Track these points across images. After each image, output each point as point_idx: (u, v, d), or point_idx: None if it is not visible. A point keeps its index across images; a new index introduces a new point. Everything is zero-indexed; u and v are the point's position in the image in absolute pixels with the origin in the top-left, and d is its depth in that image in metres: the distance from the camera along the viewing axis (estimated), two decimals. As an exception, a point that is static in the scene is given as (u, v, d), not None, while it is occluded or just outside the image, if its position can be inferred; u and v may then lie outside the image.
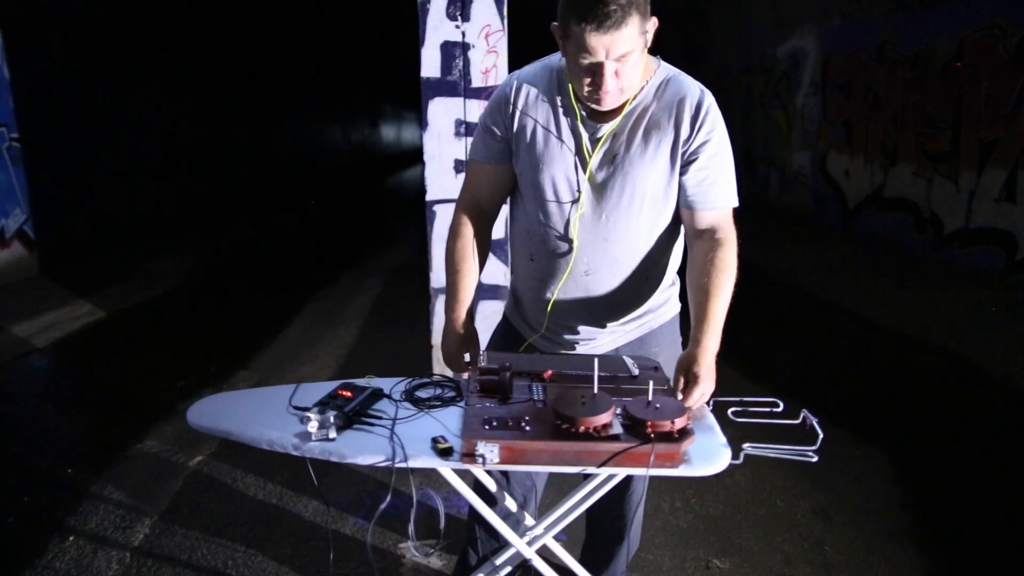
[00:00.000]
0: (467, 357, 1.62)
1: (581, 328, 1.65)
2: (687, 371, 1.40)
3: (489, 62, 2.89)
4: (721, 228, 1.53)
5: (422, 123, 2.96)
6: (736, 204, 1.56)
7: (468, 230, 1.64)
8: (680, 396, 1.39)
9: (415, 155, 20.30)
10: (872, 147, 7.26)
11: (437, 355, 3.14)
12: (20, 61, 6.11)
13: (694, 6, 10.31)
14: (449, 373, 1.66)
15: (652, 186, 1.51)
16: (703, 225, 1.53)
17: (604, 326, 1.65)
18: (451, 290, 1.63)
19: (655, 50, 1.49)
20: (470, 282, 1.63)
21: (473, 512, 1.88)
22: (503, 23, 2.86)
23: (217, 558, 2.29)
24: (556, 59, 1.55)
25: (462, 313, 1.62)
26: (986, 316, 4.82)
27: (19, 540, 2.40)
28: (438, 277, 3.04)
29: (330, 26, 12.95)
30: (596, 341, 1.67)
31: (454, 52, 2.89)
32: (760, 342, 4.70)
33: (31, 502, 2.64)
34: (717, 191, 1.52)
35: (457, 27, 2.87)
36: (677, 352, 1.71)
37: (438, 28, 2.87)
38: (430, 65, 2.90)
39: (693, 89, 1.50)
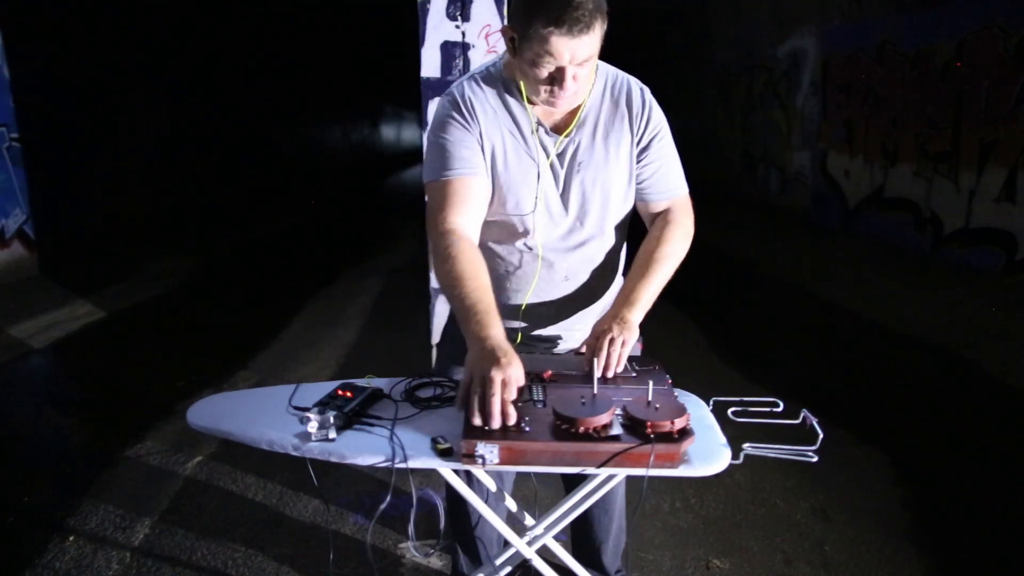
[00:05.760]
0: (509, 393, 1.23)
1: (558, 330, 1.66)
2: (601, 332, 1.43)
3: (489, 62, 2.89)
4: (672, 210, 1.60)
5: (422, 123, 2.96)
6: (686, 190, 1.62)
7: (465, 246, 1.42)
8: (597, 364, 1.39)
9: (415, 155, 20.30)
10: (872, 147, 7.26)
11: (437, 355, 3.13)
12: (20, 61, 6.11)
13: (694, 6, 10.31)
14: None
15: (617, 186, 1.55)
16: (657, 212, 1.61)
17: (577, 324, 1.67)
18: (473, 307, 1.33)
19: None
20: (491, 295, 1.37)
21: (455, 514, 1.87)
22: (503, 23, 2.86)
23: (217, 558, 2.29)
24: (494, 68, 1.52)
25: (497, 331, 1.31)
26: (986, 316, 4.82)
27: (19, 540, 2.40)
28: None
29: (330, 26, 12.95)
30: (567, 341, 1.68)
31: (454, 52, 2.89)
32: (760, 342, 4.70)
33: (31, 502, 2.64)
34: (668, 181, 1.59)
35: (457, 27, 2.86)
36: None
37: (438, 28, 2.87)
38: (430, 65, 2.90)
39: (633, 87, 1.55)
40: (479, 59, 2.89)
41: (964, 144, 5.96)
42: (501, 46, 2.89)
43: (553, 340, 1.68)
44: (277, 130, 12.49)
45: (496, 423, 1.22)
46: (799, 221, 8.51)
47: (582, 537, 1.96)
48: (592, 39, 1.32)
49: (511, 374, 1.24)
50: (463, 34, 2.87)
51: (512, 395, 1.24)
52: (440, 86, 2.91)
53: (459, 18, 2.85)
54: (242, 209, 10.29)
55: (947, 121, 6.14)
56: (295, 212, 11.16)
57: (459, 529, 1.88)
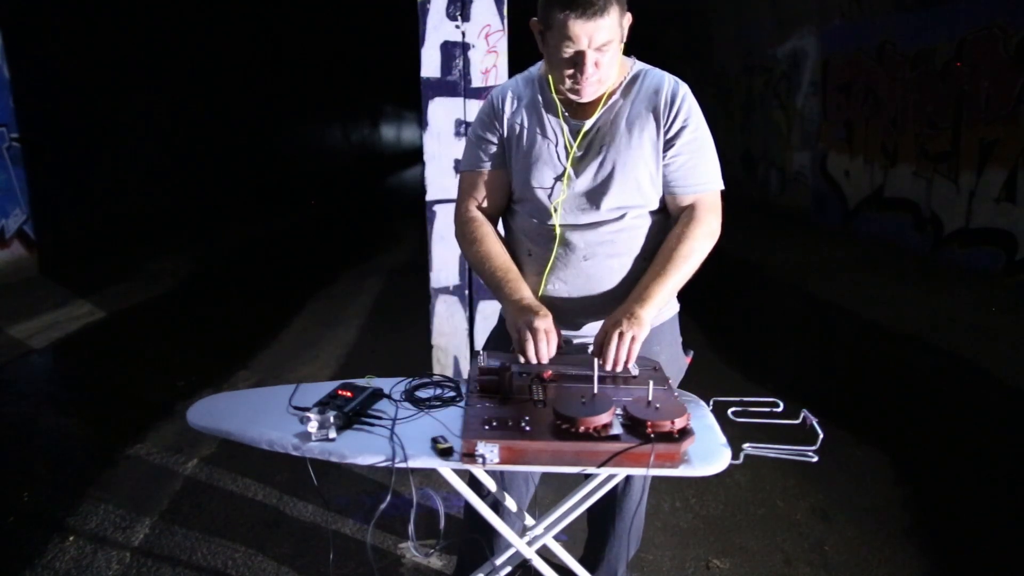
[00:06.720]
0: (552, 343, 1.48)
1: (583, 322, 1.66)
2: (610, 326, 1.46)
3: (489, 62, 2.89)
4: (698, 207, 1.59)
5: (422, 123, 2.96)
6: (720, 186, 1.62)
7: (487, 229, 1.65)
8: (604, 355, 1.44)
9: (415, 155, 20.28)
10: (872, 147, 7.26)
11: (437, 355, 3.13)
12: (20, 61, 6.11)
13: (694, 6, 10.31)
14: (454, 368, 1.65)
15: (640, 172, 1.56)
16: (683, 206, 1.61)
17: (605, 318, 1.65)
18: (504, 276, 1.58)
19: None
20: (515, 268, 1.61)
21: (469, 515, 1.88)
22: (503, 23, 2.86)
23: (217, 558, 2.29)
24: (535, 69, 1.64)
25: (528, 292, 1.56)
26: (986, 316, 4.81)
27: (19, 540, 2.40)
28: (438, 277, 3.04)
29: (330, 26, 12.95)
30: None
31: (454, 52, 2.89)
32: (760, 342, 4.70)
33: (31, 502, 2.64)
34: (696, 175, 1.58)
35: (457, 27, 2.86)
36: (677, 351, 1.72)
37: (438, 28, 2.87)
38: (430, 65, 2.90)
39: (667, 80, 1.58)
40: (479, 59, 2.89)
41: (964, 144, 5.96)
42: (501, 46, 2.90)
43: (583, 348, 1.67)
44: (277, 130, 12.48)
45: (548, 358, 1.48)
46: (799, 221, 8.51)
47: (594, 538, 1.97)
48: (609, 23, 1.39)
49: (549, 323, 1.48)
50: (463, 34, 2.87)
51: (554, 340, 1.48)
52: (440, 86, 2.92)
53: (459, 18, 2.86)
54: (242, 209, 10.28)
55: (947, 121, 6.14)
56: (295, 212, 11.15)
57: (476, 530, 1.87)
